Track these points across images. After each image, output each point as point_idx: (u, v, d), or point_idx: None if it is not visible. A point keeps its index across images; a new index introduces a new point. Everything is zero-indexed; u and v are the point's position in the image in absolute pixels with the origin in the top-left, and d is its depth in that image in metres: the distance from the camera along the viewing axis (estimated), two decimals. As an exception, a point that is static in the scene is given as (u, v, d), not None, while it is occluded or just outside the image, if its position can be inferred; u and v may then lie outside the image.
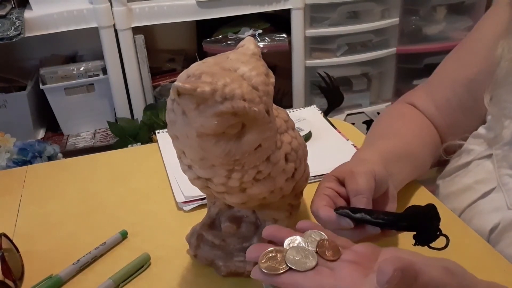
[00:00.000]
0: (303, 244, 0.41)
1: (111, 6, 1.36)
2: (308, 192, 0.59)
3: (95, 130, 1.57)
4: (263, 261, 0.39)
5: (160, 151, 0.84)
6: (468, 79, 0.70)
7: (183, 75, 0.44)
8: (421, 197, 0.69)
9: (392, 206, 0.55)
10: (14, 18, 1.29)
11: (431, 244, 0.47)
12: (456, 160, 0.71)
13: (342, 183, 0.54)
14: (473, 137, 0.70)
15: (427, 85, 0.77)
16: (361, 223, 0.48)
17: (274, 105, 0.48)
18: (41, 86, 1.45)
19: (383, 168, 0.55)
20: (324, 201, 0.51)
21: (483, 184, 0.65)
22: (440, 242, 0.47)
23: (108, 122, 1.46)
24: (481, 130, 0.69)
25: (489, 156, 0.66)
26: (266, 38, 1.57)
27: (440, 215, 0.48)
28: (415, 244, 0.47)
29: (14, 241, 0.60)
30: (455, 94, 0.72)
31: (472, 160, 0.68)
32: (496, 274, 0.55)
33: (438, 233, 0.47)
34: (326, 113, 1.50)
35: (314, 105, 0.99)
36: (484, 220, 0.63)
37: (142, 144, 1.34)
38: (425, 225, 0.47)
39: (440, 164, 0.75)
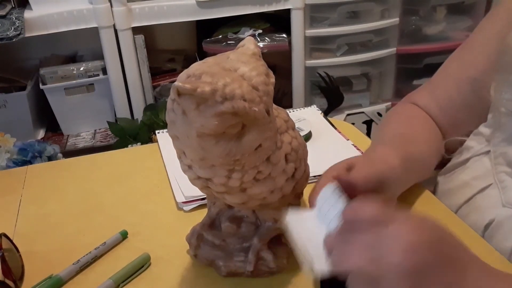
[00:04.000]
0: None
1: (111, 6, 1.35)
2: (308, 192, 0.59)
3: (95, 130, 1.57)
4: None
5: (160, 151, 0.84)
6: (473, 78, 0.70)
7: (183, 75, 0.44)
8: (421, 197, 0.69)
9: None
10: (14, 18, 1.29)
11: None
12: (457, 157, 0.72)
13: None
14: (474, 134, 0.70)
15: (429, 85, 0.77)
16: None
17: (274, 105, 0.48)
18: (41, 86, 1.44)
19: (398, 172, 0.56)
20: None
21: (480, 181, 0.66)
22: None
23: (108, 122, 1.46)
24: (482, 128, 0.69)
25: (487, 152, 0.66)
26: (266, 38, 1.57)
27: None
28: None
29: (14, 241, 0.60)
30: (460, 93, 0.72)
31: (470, 157, 0.69)
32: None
33: None
34: (326, 113, 1.50)
35: (314, 105, 0.99)
36: (480, 216, 0.63)
37: (142, 144, 1.34)
38: None
39: (442, 163, 0.75)
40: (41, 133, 1.55)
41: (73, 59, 1.63)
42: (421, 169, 0.67)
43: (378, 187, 0.53)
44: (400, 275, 0.37)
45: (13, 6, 1.35)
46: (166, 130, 0.82)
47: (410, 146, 0.66)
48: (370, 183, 0.52)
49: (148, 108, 1.47)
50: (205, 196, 0.66)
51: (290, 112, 0.95)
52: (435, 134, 0.73)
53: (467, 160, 0.69)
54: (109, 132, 1.49)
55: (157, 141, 0.88)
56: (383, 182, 0.53)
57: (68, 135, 1.54)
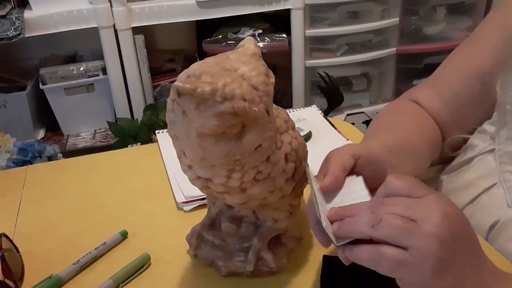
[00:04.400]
0: None
1: (111, 6, 1.36)
2: (308, 192, 0.59)
3: (95, 130, 1.57)
4: None
5: (160, 151, 0.84)
6: (482, 71, 0.68)
7: (183, 75, 0.44)
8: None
9: None
10: (14, 18, 1.29)
11: None
12: (461, 156, 0.71)
13: None
14: (478, 132, 0.70)
15: (431, 81, 0.76)
16: None
17: (274, 105, 0.48)
18: (41, 86, 1.45)
19: (378, 151, 0.54)
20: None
21: (484, 180, 0.65)
22: None
23: (108, 122, 1.46)
24: (486, 125, 0.68)
25: (492, 151, 0.66)
26: (266, 38, 1.57)
27: None
28: None
29: (14, 241, 0.60)
30: (466, 87, 0.70)
31: (475, 156, 0.68)
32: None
33: None
34: (326, 113, 1.50)
35: (314, 105, 0.99)
36: (485, 216, 0.63)
37: (142, 144, 1.34)
38: None
39: (445, 161, 0.75)
40: (41, 133, 1.55)
41: (73, 59, 1.63)
42: (410, 156, 0.64)
43: (366, 166, 0.51)
44: (433, 240, 0.39)
45: (13, 6, 1.36)
46: (166, 130, 0.82)
47: (393, 136, 0.64)
48: (345, 167, 0.49)
49: (148, 108, 1.47)
50: (205, 196, 0.66)
51: (290, 112, 0.95)
52: (429, 127, 0.71)
53: (472, 159, 0.68)
54: (109, 132, 1.49)
55: (157, 141, 0.88)
56: (359, 156, 0.51)
57: (68, 135, 1.54)
